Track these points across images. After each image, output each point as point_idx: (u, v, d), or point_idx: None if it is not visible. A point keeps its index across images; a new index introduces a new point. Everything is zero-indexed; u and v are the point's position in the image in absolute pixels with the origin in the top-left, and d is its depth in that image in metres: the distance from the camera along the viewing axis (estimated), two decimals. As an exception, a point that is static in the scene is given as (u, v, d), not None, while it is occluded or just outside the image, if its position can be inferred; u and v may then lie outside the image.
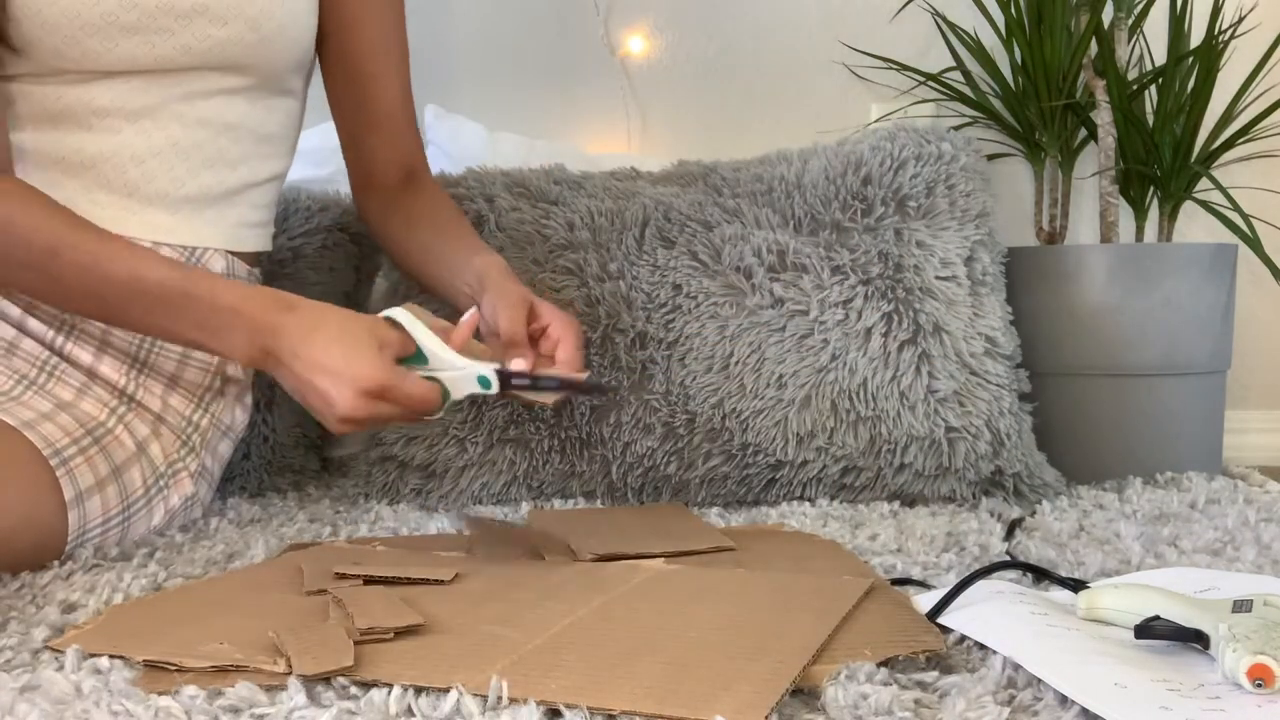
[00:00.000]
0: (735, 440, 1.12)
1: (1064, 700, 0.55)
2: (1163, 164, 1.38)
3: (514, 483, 1.16)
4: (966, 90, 1.53)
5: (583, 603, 0.69)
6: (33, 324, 0.98)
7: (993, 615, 0.66)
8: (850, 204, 1.19)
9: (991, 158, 1.40)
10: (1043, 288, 1.32)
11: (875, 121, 1.62)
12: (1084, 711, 0.53)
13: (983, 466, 1.12)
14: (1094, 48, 1.38)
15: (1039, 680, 0.57)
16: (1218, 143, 1.39)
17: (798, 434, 1.12)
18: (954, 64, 1.57)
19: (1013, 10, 1.45)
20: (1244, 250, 1.31)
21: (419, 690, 0.55)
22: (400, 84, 1.18)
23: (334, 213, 1.36)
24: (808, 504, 1.12)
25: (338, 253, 1.35)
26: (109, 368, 1.00)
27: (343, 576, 0.76)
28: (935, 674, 0.59)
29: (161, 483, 0.99)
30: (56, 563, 0.86)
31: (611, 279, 1.17)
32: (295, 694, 0.55)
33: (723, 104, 1.73)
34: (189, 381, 1.04)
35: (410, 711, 0.53)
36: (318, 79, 1.18)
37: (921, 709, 0.55)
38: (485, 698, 0.54)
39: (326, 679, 0.57)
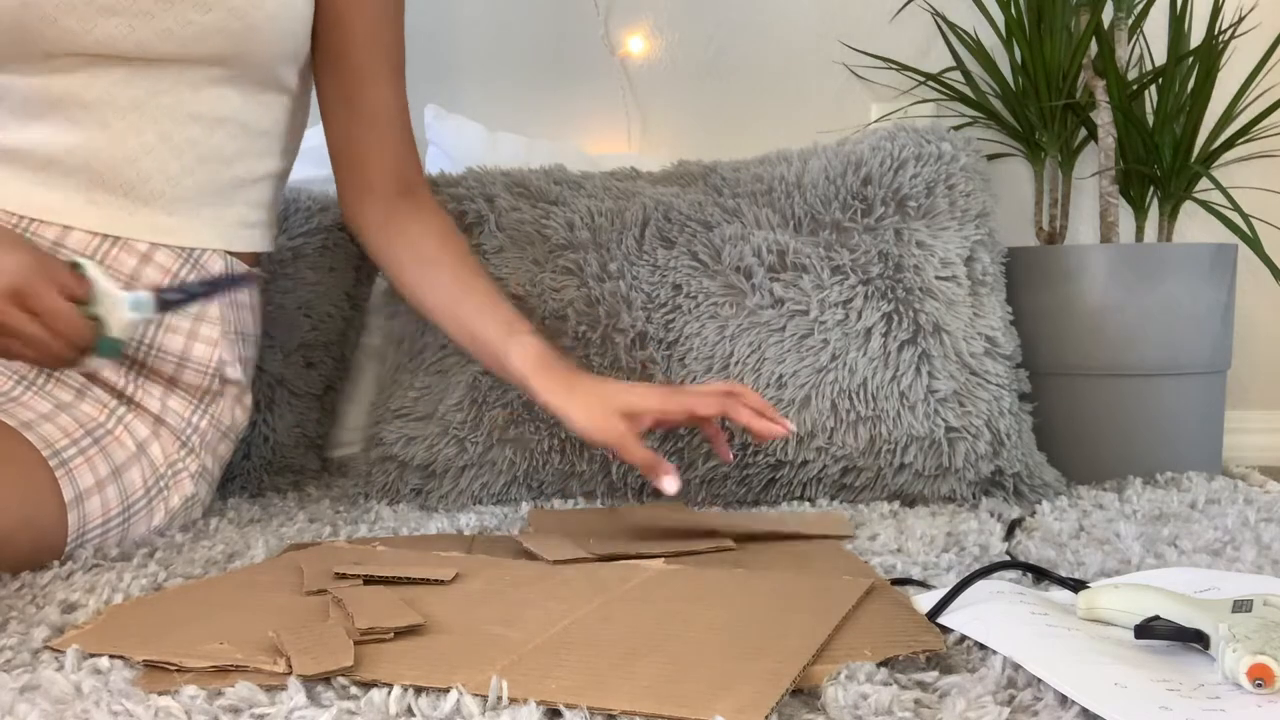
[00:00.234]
0: (735, 440, 1.12)
1: (1064, 700, 0.55)
2: (1163, 164, 1.38)
3: (514, 483, 1.16)
4: (966, 90, 1.53)
5: (583, 603, 0.69)
6: None
7: (993, 615, 0.66)
8: (850, 204, 1.19)
9: (991, 158, 1.40)
10: (1043, 288, 1.32)
11: (875, 121, 1.62)
12: (1084, 711, 0.53)
13: (983, 466, 1.12)
14: (1094, 48, 1.38)
15: (1039, 680, 0.57)
16: (1218, 143, 1.39)
17: (797, 434, 1.12)
18: (954, 64, 1.57)
19: (1013, 10, 1.45)
20: (1244, 250, 1.31)
21: (419, 690, 0.55)
22: (394, 89, 1.14)
23: (334, 213, 1.36)
24: (808, 504, 1.12)
25: (338, 252, 1.35)
26: (108, 370, 1.00)
27: (342, 576, 0.76)
28: (935, 674, 0.59)
29: (161, 484, 0.99)
30: (56, 563, 0.86)
31: (611, 279, 1.17)
32: (295, 694, 0.55)
33: (723, 104, 1.73)
34: (187, 383, 1.04)
35: (410, 711, 0.53)
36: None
37: (921, 709, 0.55)
38: (485, 698, 0.54)
39: (326, 679, 0.57)
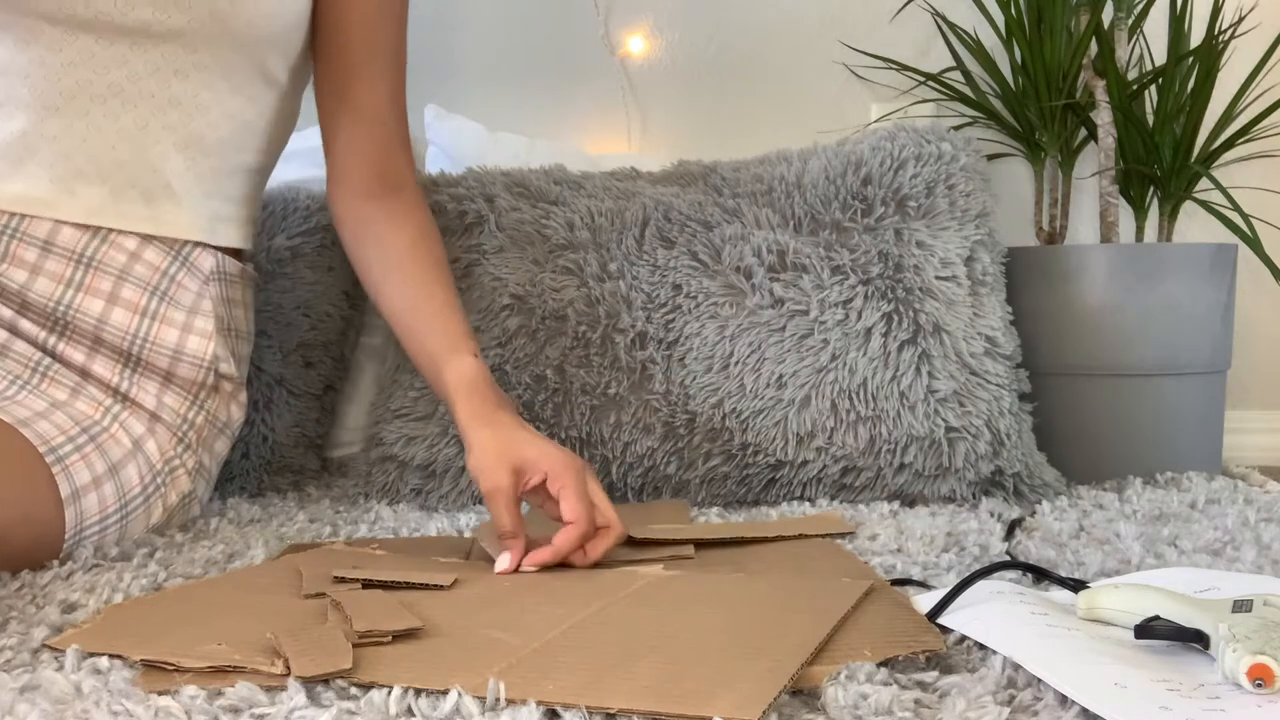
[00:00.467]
0: (735, 440, 1.12)
1: (1064, 700, 0.55)
2: (1163, 164, 1.38)
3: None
4: (966, 90, 1.53)
5: (581, 607, 0.69)
6: (25, 325, 0.98)
7: (993, 615, 0.66)
8: (850, 204, 1.19)
9: (991, 158, 1.40)
10: (1043, 287, 1.32)
11: (875, 121, 1.62)
12: (1084, 711, 0.53)
13: (983, 466, 1.12)
14: (1094, 48, 1.38)
15: (1039, 680, 0.57)
16: (1218, 143, 1.39)
17: (798, 434, 1.12)
18: (954, 64, 1.57)
19: (1013, 10, 1.45)
20: (1244, 250, 1.31)
21: (418, 691, 0.55)
22: (389, 87, 1.13)
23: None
24: (808, 504, 1.12)
25: (336, 251, 1.35)
26: (102, 367, 1.00)
27: (341, 580, 0.76)
28: (935, 674, 0.59)
29: (159, 480, 0.99)
30: (56, 562, 0.86)
31: (611, 279, 1.17)
32: (295, 694, 0.55)
33: (723, 104, 1.73)
34: (183, 379, 1.04)
35: (410, 712, 0.53)
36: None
37: (921, 709, 0.55)
38: (484, 699, 0.54)
39: (325, 680, 0.57)
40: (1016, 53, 1.47)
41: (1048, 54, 1.41)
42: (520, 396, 1.15)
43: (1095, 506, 1.11)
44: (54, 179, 1.00)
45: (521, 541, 0.83)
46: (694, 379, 1.13)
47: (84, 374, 0.99)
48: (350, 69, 1.11)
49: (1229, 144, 1.39)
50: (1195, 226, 1.59)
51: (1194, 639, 0.60)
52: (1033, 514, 1.07)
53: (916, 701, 0.56)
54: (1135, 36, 1.48)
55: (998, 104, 1.51)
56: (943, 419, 1.11)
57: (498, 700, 0.53)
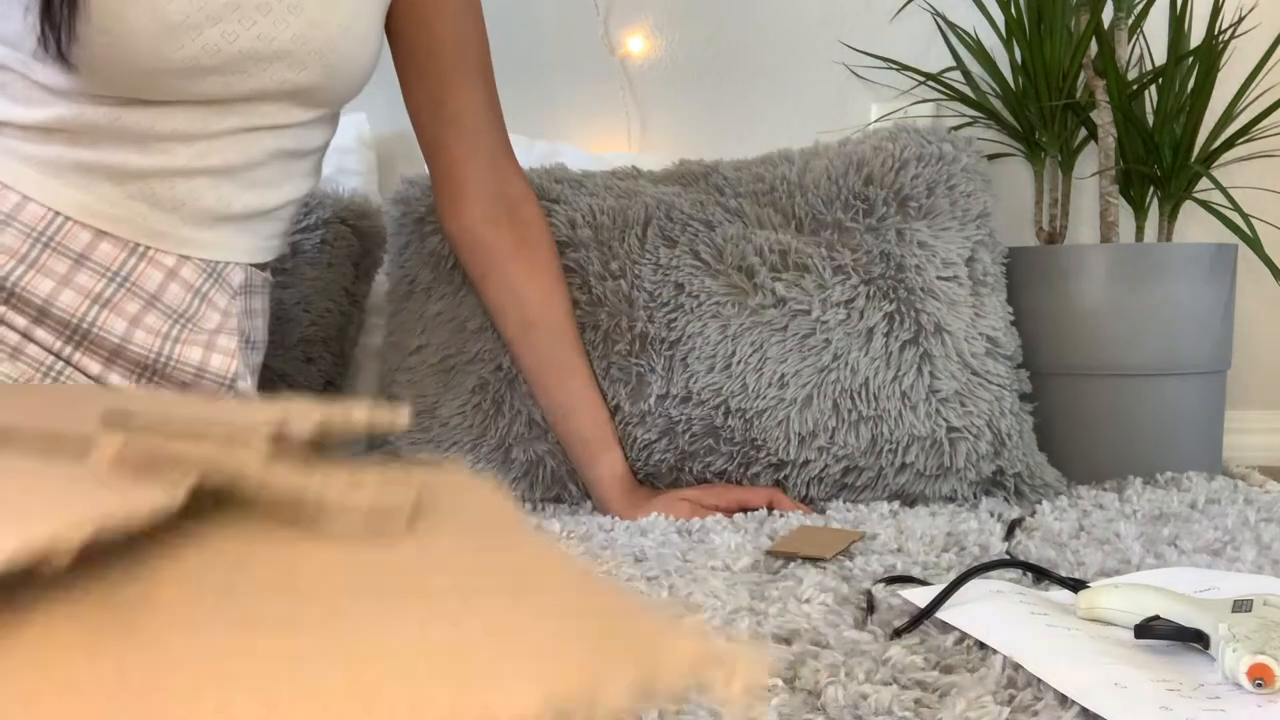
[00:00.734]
0: (737, 439, 1.12)
1: (1064, 700, 0.55)
2: (1163, 164, 1.38)
3: (515, 482, 1.16)
4: (966, 90, 1.53)
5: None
6: (40, 333, 0.98)
7: (993, 615, 0.66)
8: (852, 204, 1.19)
9: (991, 158, 1.40)
10: (1043, 287, 1.32)
11: (875, 121, 1.62)
12: (1084, 711, 0.53)
13: (984, 466, 1.12)
14: (1094, 48, 1.38)
15: (1039, 680, 0.57)
16: (1218, 143, 1.39)
17: (799, 433, 1.12)
18: (954, 64, 1.57)
19: (1013, 10, 1.45)
20: (1244, 250, 1.31)
21: None
22: (483, 91, 1.13)
23: (333, 208, 1.36)
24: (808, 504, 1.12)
25: (338, 246, 1.35)
26: (119, 378, 0.99)
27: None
28: (935, 674, 0.60)
29: None
30: (57, 562, 0.86)
31: (614, 278, 1.18)
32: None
33: (723, 104, 1.73)
34: (201, 390, 1.04)
35: None
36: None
37: (921, 709, 0.55)
38: None
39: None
40: (1016, 53, 1.48)
41: (1048, 54, 1.41)
42: (523, 396, 1.15)
43: (1095, 506, 1.11)
44: (119, 198, 0.99)
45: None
46: (696, 379, 1.13)
47: (98, 382, 0.99)
48: (442, 76, 1.11)
49: (1229, 144, 1.39)
50: (1195, 226, 1.59)
51: (1194, 639, 0.60)
52: (1033, 514, 1.08)
53: (916, 701, 0.56)
54: (1135, 36, 1.49)
55: (998, 104, 1.52)
56: (944, 419, 1.12)
57: None
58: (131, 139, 0.98)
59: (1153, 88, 1.45)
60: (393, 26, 1.11)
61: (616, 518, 1.07)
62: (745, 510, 1.08)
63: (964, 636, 0.65)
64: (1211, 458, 1.34)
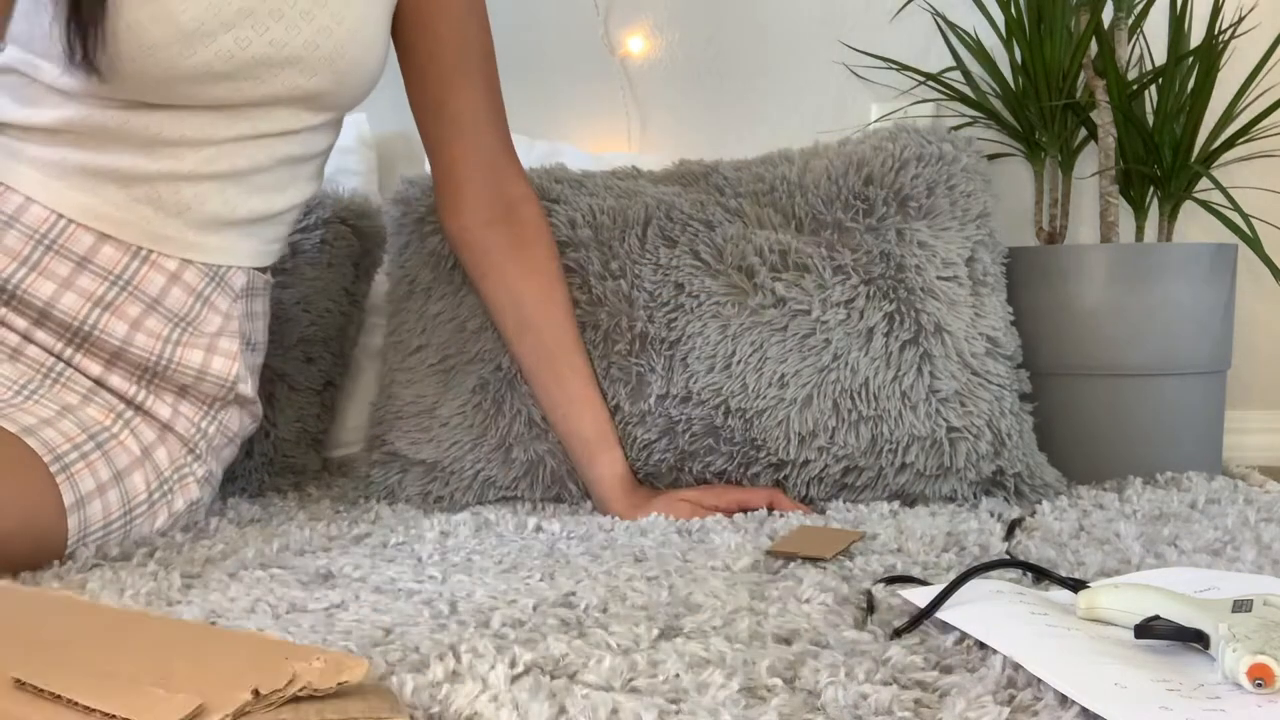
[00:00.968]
0: (737, 439, 1.12)
1: (1064, 700, 0.55)
2: (1163, 164, 1.38)
3: (516, 483, 1.16)
4: (966, 90, 1.53)
5: None
6: (40, 335, 0.98)
7: (993, 615, 0.66)
8: (852, 204, 1.19)
9: (991, 158, 1.40)
10: (1043, 287, 1.32)
11: (875, 121, 1.62)
12: (1084, 711, 0.53)
13: (984, 466, 1.12)
14: (1094, 48, 1.38)
15: (1039, 680, 0.57)
16: (1218, 143, 1.39)
17: (799, 433, 1.12)
18: (954, 64, 1.57)
19: (1013, 10, 1.45)
20: (1244, 250, 1.31)
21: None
22: (483, 91, 1.13)
23: (332, 208, 1.36)
24: (810, 504, 1.12)
25: (338, 246, 1.35)
26: (119, 379, 0.99)
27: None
28: (935, 674, 0.60)
29: (165, 488, 0.99)
30: (56, 562, 0.86)
31: (614, 278, 1.17)
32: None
33: (723, 104, 1.73)
34: (202, 393, 1.04)
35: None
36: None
37: (921, 709, 0.55)
38: None
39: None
40: (1016, 53, 1.47)
41: (1048, 54, 1.41)
42: (523, 396, 1.15)
43: (1095, 506, 1.11)
44: (126, 199, 0.99)
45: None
46: (696, 379, 1.13)
47: (99, 383, 0.99)
48: (443, 78, 1.12)
49: (1229, 144, 1.39)
50: (1195, 226, 1.59)
51: (1194, 639, 0.60)
52: (1033, 514, 1.08)
53: (916, 701, 0.56)
54: (1135, 36, 1.48)
55: (998, 104, 1.52)
56: (944, 419, 1.11)
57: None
58: (139, 143, 0.98)
59: (1153, 88, 1.45)
60: (396, 29, 1.11)
61: (616, 518, 1.07)
62: (745, 510, 1.08)
63: (964, 636, 0.65)
64: (1211, 458, 1.34)
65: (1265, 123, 1.38)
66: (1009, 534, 0.97)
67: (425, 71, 1.12)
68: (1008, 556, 0.88)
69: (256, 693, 0.45)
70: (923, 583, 0.79)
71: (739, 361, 1.13)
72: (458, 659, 0.61)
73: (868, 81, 1.68)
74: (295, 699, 0.46)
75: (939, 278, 1.16)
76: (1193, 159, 1.38)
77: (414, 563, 0.88)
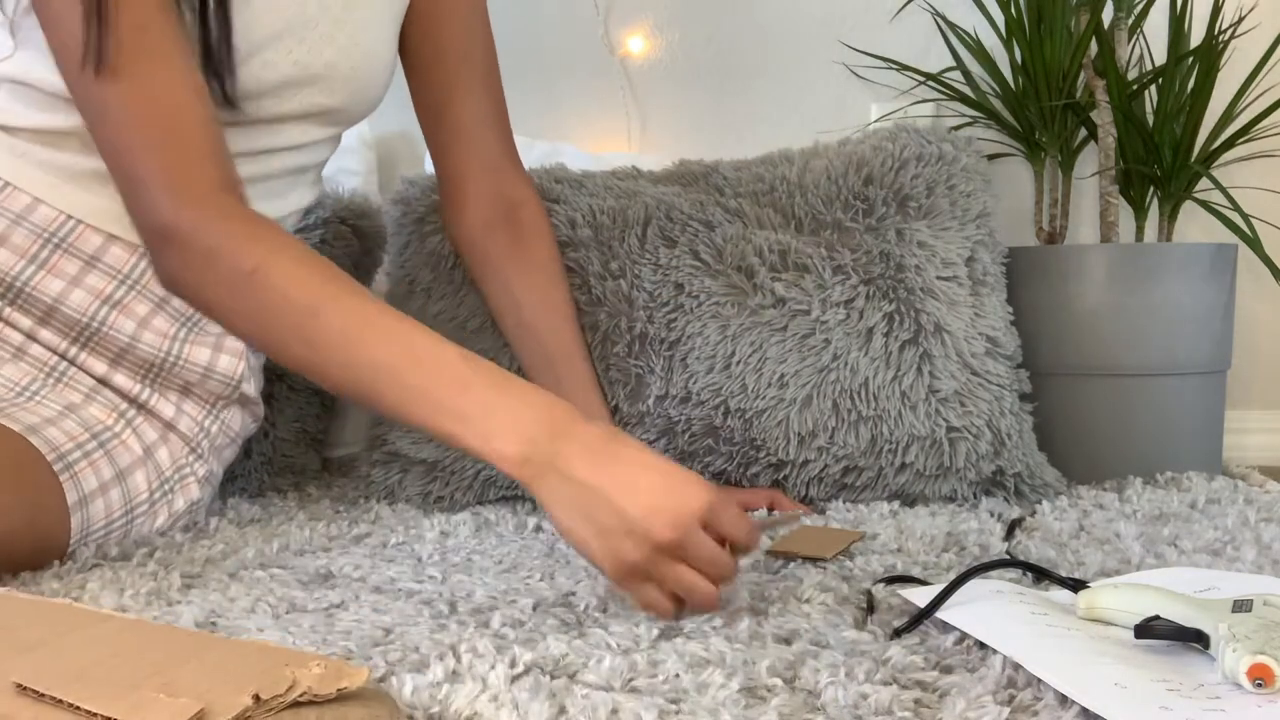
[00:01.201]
0: (736, 439, 1.12)
1: (1064, 700, 0.55)
2: (1163, 164, 1.38)
3: (515, 483, 1.16)
4: (966, 90, 1.53)
5: None
6: (45, 333, 0.98)
7: (993, 615, 0.66)
8: (852, 204, 1.19)
9: (991, 158, 1.40)
10: (1043, 287, 1.32)
11: (875, 121, 1.62)
12: (1084, 711, 0.53)
13: (984, 466, 1.12)
14: (1094, 48, 1.38)
15: (1039, 680, 0.57)
16: (1218, 143, 1.39)
17: (799, 434, 1.12)
18: (954, 64, 1.57)
19: (1013, 10, 1.45)
20: (1244, 250, 1.31)
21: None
22: (485, 96, 1.14)
23: (331, 208, 1.36)
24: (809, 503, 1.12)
25: (338, 246, 1.35)
26: (124, 377, 0.99)
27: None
28: (935, 674, 0.60)
29: (166, 487, 0.99)
30: (56, 561, 0.86)
31: (613, 278, 1.17)
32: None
33: (723, 104, 1.73)
34: (207, 391, 1.04)
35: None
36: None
37: (921, 709, 0.55)
38: None
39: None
40: (1016, 53, 1.47)
41: (1048, 54, 1.41)
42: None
43: (1095, 506, 1.11)
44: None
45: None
46: (696, 379, 1.13)
47: (102, 382, 0.99)
48: (445, 84, 1.12)
49: (1229, 144, 1.39)
50: (1195, 226, 1.59)
51: (1194, 639, 0.60)
52: (1033, 514, 1.08)
53: (916, 701, 0.56)
54: (1135, 36, 1.48)
55: (998, 104, 1.52)
56: (944, 419, 1.11)
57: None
58: None
59: (1153, 88, 1.45)
60: (401, 37, 1.13)
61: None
62: (745, 511, 1.07)
63: (964, 636, 0.65)
64: (1211, 458, 1.34)
65: (1265, 123, 1.38)
66: (1009, 534, 0.97)
67: (429, 78, 1.13)
68: (1008, 556, 0.88)
69: (257, 698, 0.46)
70: (923, 583, 0.79)
71: (738, 362, 1.13)
72: (457, 659, 0.61)
73: (868, 81, 1.68)
74: (295, 704, 0.47)
75: (939, 278, 1.16)
76: (1193, 159, 1.38)
77: (414, 563, 0.88)
